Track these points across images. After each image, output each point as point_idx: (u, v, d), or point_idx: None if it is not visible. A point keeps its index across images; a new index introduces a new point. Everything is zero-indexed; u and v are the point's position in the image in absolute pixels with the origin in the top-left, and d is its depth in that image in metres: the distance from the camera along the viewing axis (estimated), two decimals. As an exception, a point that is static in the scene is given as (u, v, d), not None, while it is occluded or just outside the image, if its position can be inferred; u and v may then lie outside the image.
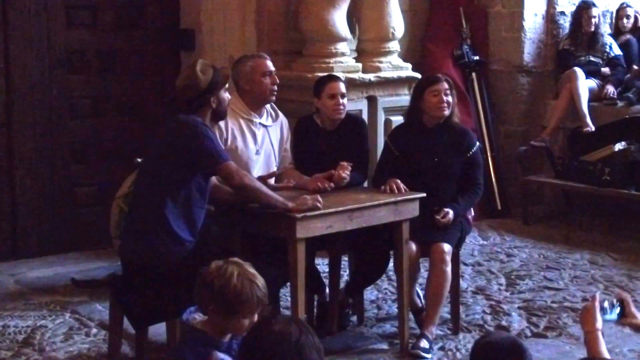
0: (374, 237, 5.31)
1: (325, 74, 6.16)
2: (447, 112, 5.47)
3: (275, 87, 5.33)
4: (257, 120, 5.29)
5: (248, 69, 5.29)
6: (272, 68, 5.34)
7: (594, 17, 8.34)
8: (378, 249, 5.39)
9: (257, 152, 5.26)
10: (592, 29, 8.33)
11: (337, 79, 5.68)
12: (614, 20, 8.86)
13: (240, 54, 6.99)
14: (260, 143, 5.28)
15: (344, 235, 5.23)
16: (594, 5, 8.42)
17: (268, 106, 5.40)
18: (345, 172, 5.28)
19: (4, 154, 6.82)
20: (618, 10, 8.72)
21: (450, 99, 5.47)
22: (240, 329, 3.30)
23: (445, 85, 5.46)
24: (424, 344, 5.15)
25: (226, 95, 4.76)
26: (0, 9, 6.71)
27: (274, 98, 5.37)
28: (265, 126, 5.33)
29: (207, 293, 3.31)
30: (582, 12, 8.37)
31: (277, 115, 5.45)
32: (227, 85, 4.78)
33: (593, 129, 7.97)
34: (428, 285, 5.35)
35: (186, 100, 4.66)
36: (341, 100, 5.50)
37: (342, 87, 5.56)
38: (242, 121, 5.24)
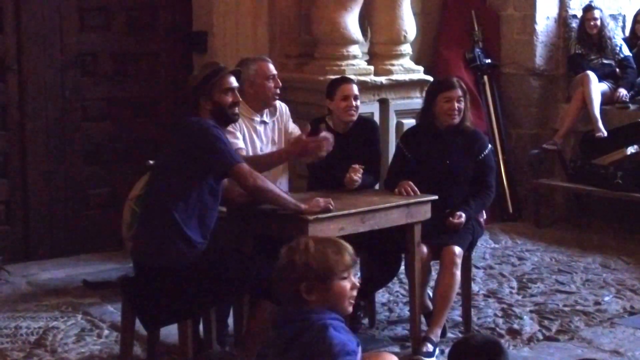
0: (385, 240, 5.30)
1: (337, 76, 6.17)
2: (456, 120, 5.46)
3: (278, 91, 5.39)
4: (257, 118, 5.35)
5: (252, 73, 5.31)
6: (275, 71, 5.40)
7: (596, 19, 8.33)
8: (389, 252, 5.39)
9: (261, 150, 5.29)
10: (595, 31, 8.32)
11: (350, 80, 5.70)
12: (633, 24, 8.82)
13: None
14: (264, 140, 5.33)
15: (356, 238, 5.22)
16: (595, 7, 8.41)
17: None
18: (356, 174, 5.29)
19: (16, 156, 6.84)
20: (636, 15, 8.66)
21: (462, 105, 5.46)
22: (343, 294, 3.23)
23: (459, 93, 5.45)
24: (427, 347, 5.12)
25: (225, 97, 4.67)
26: (14, 11, 6.73)
27: (276, 102, 5.42)
28: (265, 123, 5.37)
29: (293, 275, 3.20)
30: (584, 15, 8.38)
31: (275, 110, 5.47)
32: (228, 86, 4.68)
33: (605, 134, 7.94)
34: (437, 287, 5.34)
35: (183, 100, 4.68)
36: (354, 102, 5.51)
37: (355, 89, 5.57)
38: (245, 122, 5.27)
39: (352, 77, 6.32)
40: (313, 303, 3.21)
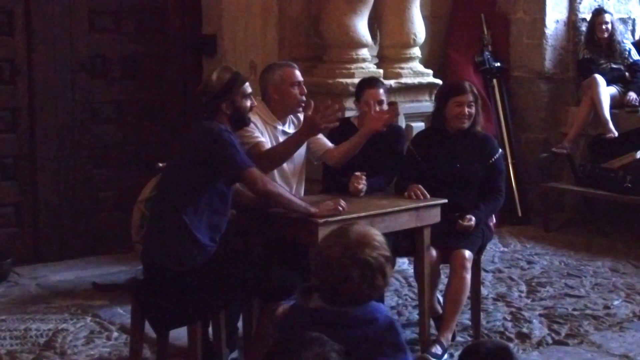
0: None
1: (367, 76, 6.20)
2: (466, 125, 5.45)
3: (304, 98, 5.27)
4: (280, 127, 5.27)
5: (277, 78, 5.24)
6: (301, 78, 5.30)
7: (607, 23, 8.31)
8: None
9: None
10: (606, 35, 8.30)
11: (376, 85, 5.67)
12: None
13: (262, 60, 7.05)
14: None
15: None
16: (605, 11, 8.40)
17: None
18: (360, 183, 5.26)
19: (26, 159, 6.85)
20: None
21: (472, 110, 5.45)
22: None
23: (470, 98, 5.44)
24: (436, 349, 5.12)
25: (246, 103, 4.72)
26: (24, 14, 6.75)
27: (300, 110, 5.30)
28: (287, 134, 5.29)
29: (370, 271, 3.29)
30: (595, 19, 8.37)
31: (299, 122, 5.43)
32: (247, 91, 4.74)
33: (616, 134, 7.94)
34: (447, 291, 5.33)
35: (201, 104, 4.70)
36: (378, 108, 5.50)
37: (382, 94, 5.59)
38: (267, 128, 5.22)
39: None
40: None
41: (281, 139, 5.22)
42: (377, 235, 3.36)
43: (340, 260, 3.25)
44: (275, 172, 5.15)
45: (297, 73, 5.31)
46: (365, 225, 3.44)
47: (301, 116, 5.40)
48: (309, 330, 3.19)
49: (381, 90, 5.61)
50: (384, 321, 3.28)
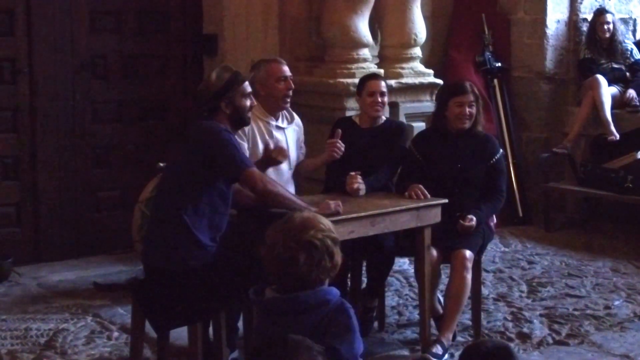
0: (373, 244, 5.30)
1: (368, 73, 6.26)
2: (467, 125, 5.46)
3: (290, 93, 5.37)
4: (273, 122, 5.36)
5: (262, 74, 5.35)
6: (288, 73, 5.38)
7: (608, 23, 8.30)
8: (376, 255, 5.39)
9: None
10: (607, 35, 8.30)
11: (378, 77, 5.82)
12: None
13: (262, 60, 7.05)
14: (287, 145, 5.31)
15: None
16: (606, 11, 8.39)
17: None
18: (355, 183, 5.26)
19: (27, 158, 6.85)
20: None
21: (473, 110, 5.45)
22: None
23: (471, 98, 5.44)
24: (437, 349, 5.12)
25: (245, 102, 4.73)
26: (25, 14, 6.75)
27: (287, 105, 5.40)
28: (281, 128, 5.38)
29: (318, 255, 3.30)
30: (596, 19, 8.36)
31: (292, 118, 5.51)
32: (247, 90, 4.75)
33: (618, 137, 7.93)
34: (448, 291, 5.33)
35: (200, 104, 4.70)
36: (379, 99, 5.59)
37: (383, 86, 5.66)
38: (260, 124, 5.29)
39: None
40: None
41: (275, 133, 5.33)
42: (323, 219, 3.39)
43: (286, 244, 3.27)
44: (271, 168, 5.19)
45: (284, 68, 5.38)
46: (311, 213, 3.48)
47: (295, 114, 5.49)
48: (265, 321, 3.27)
49: (383, 83, 5.70)
50: (335, 303, 3.30)
